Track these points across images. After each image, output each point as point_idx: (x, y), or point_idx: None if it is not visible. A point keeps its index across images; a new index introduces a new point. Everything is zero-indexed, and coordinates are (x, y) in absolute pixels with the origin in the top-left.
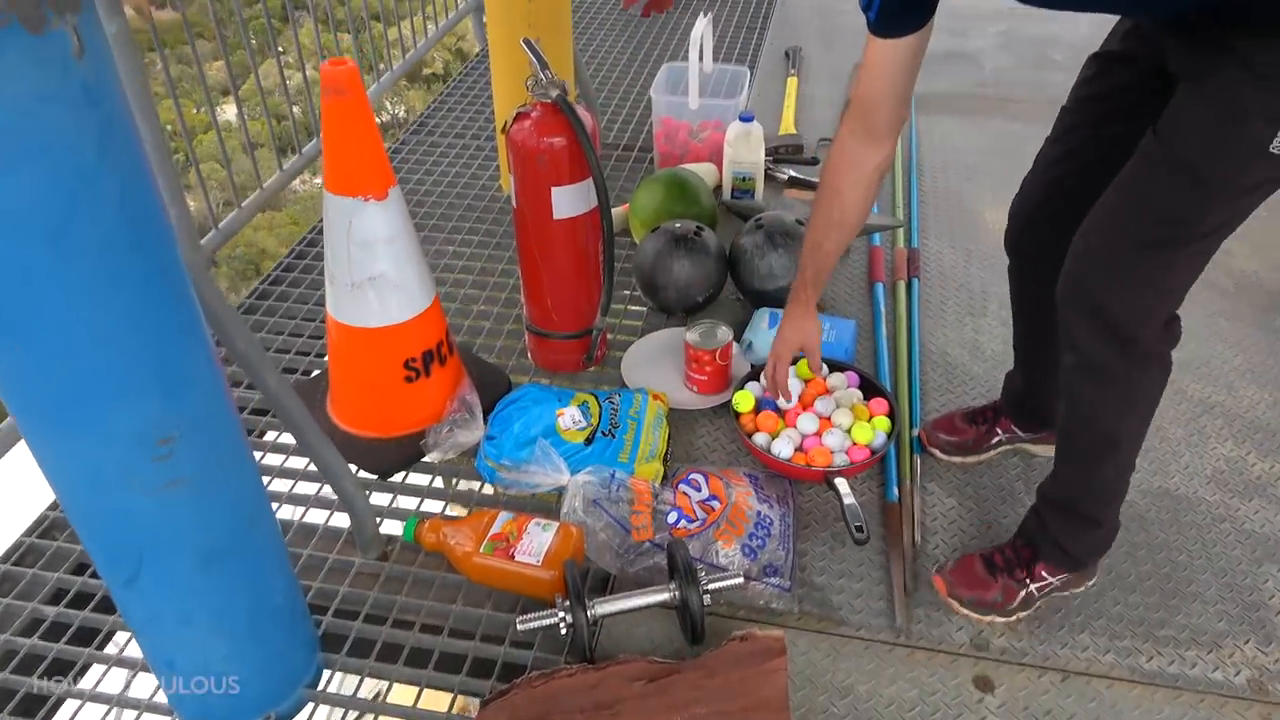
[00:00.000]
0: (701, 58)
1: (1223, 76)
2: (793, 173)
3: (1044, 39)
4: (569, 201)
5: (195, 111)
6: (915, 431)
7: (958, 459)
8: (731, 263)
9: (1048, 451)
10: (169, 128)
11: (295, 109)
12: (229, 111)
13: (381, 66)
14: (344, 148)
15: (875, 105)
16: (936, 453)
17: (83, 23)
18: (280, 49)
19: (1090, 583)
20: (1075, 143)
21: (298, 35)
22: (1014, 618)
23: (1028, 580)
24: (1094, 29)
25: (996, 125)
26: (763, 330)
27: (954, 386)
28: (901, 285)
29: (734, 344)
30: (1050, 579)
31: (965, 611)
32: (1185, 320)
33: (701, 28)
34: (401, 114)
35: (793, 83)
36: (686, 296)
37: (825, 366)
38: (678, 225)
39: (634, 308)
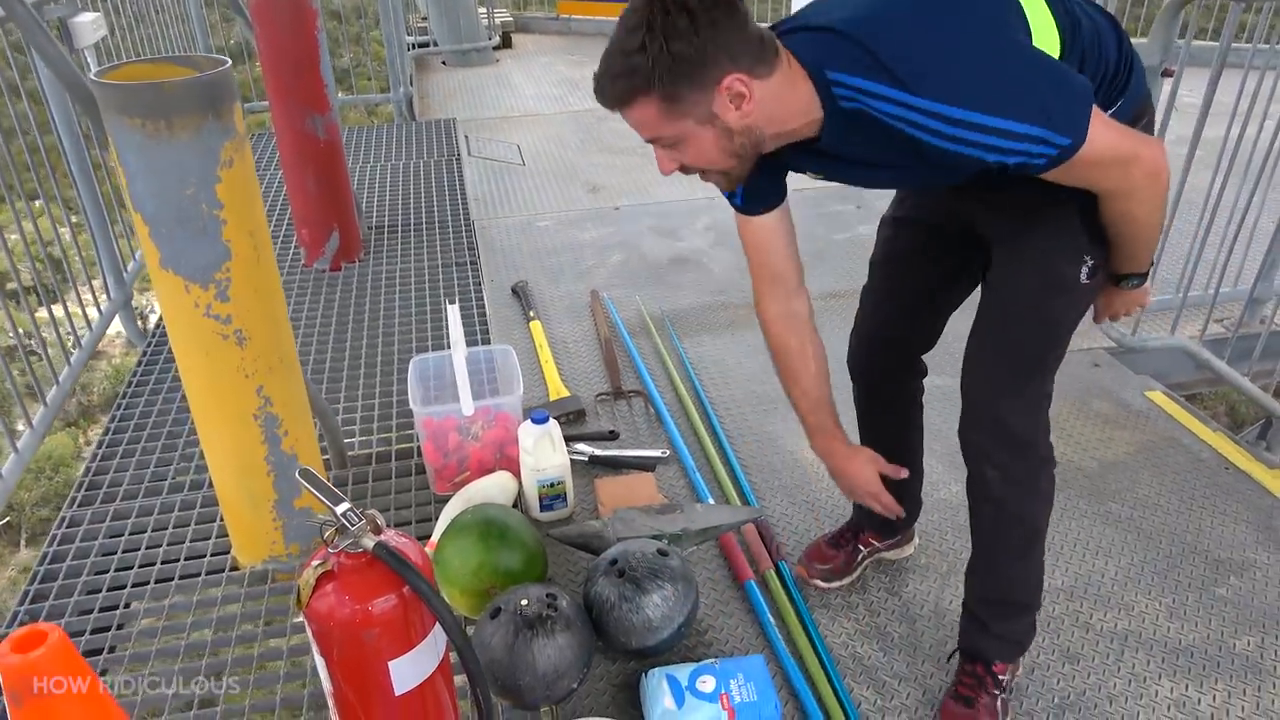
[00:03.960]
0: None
1: (1026, 239)
2: (592, 450)
3: None
4: (414, 669)
5: None
6: (795, 569)
7: (835, 584)
8: (593, 619)
9: (900, 555)
10: None
11: None
12: None
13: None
14: None
15: (777, 268)
16: (818, 583)
17: None
18: None
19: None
20: (895, 283)
21: None
22: None
23: (997, 691)
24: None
25: (752, 339)
26: (669, 711)
27: (885, 694)
28: (772, 576)
29: None
30: (1007, 676)
31: None
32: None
33: (454, 318)
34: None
35: (537, 329)
36: (557, 689)
37: None
38: (524, 602)
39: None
